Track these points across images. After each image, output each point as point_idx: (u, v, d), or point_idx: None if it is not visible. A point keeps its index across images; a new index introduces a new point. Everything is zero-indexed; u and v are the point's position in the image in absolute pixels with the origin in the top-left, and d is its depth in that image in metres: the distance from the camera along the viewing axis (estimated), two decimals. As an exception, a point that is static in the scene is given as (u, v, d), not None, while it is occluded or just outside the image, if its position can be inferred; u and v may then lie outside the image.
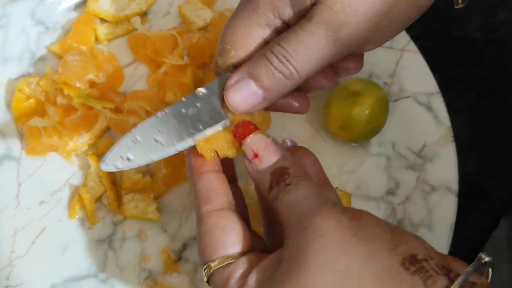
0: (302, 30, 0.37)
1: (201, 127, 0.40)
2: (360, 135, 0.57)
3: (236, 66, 0.40)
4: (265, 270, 0.34)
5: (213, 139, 0.40)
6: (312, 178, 0.37)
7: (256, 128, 0.39)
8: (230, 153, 0.40)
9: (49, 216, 0.57)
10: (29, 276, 0.55)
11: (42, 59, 0.61)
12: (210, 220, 0.37)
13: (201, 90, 0.42)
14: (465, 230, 0.59)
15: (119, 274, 0.55)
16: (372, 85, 0.57)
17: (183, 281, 0.54)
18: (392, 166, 0.59)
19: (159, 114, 0.41)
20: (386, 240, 0.31)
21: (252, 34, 0.39)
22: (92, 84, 0.59)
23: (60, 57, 0.61)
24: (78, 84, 0.57)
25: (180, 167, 0.57)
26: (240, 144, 0.39)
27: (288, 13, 0.38)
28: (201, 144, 0.40)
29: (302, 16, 0.38)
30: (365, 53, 0.60)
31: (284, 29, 0.39)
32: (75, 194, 0.57)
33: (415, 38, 0.60)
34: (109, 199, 0.56)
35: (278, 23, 0.39)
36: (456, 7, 0.44)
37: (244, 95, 0.39)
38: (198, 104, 0.41)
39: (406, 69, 0.60)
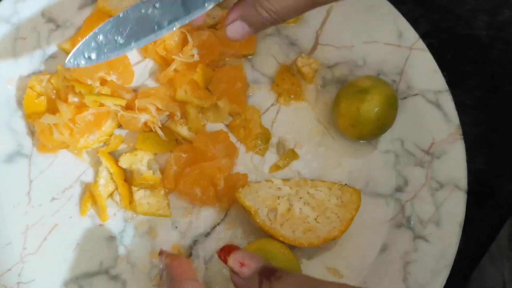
0: None
1: (156, 28, 0.48)
2: (369, 132, 0.57)
3: None
4: None
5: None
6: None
7: (236, 248, 0.45)
8: None
9: (61, 212, 0.57)
10: (41, 272, 0.55)
11: (53, 56, 0.61)
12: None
13: None
14: (473, 227, 0.60)
15: (130, 270, 0.55)
16: (380, 83, 0.57)
17: (194, 277, 0.55)
18: (400, 163, 0.59)
19: (120, 14, 0.48)
20: None
21: None
22: (103, 81, 0.59)
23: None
24: (89, 82, 0.57)
25: (191, 165, 0.57)
26: (226, 262, 0.44)
27: None
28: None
29: None
30: (373, 51, 0.61)
31: None
32: (86, 191, 0.57)
33: (422, 36, 0.61)
34: (120, 196, 0.56)
35: None
36: None
37: (238, 31, 0.49)
38: (156, 5, 0.48)
39: (414, 67, 0.60)
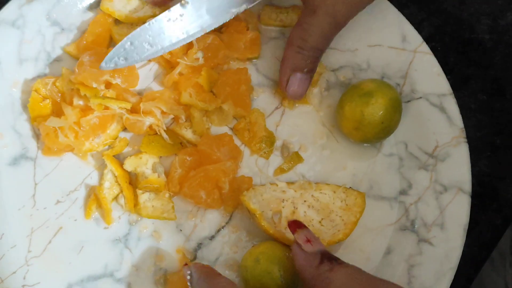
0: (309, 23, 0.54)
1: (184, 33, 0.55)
2: (373, 136, 0.57)
3: None
4: None
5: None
6: None
7: (305, 226, 0.49)
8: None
9: (65, 215, 0.57)
10: (46, 275, 0.55)
11: (58, 59, 0.62)
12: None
13: (187, 0, 0.54)
14: (476, 230, 0.60)
15: (135, 273, 0.55)
16: (385, 86, 0.57)
17: (199, 280, 0.55)
18: (404, 166, 0.59)
19: (148, 22, 0.54)
20: None
21: None
22: (108, 84, 0.59)
23: (76, 58, 0.61)
24: (94, 85, 0.57)
25: (195, 168, 0.57)
26: (294, 233, 0.48)
27: None
28: None
29: None
30: (377, 54, 0.62)
31: None
32: (91, 194, 0.57)
33: (425, 40, 0.61)
34: (125, 199, 0.56)
35: None
36: None
37: (300, 85, 0.56)
38: (182, 13, 0.54)
39: (418, 70, 0.61)
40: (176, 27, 0.55)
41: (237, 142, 0.59)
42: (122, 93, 0.59)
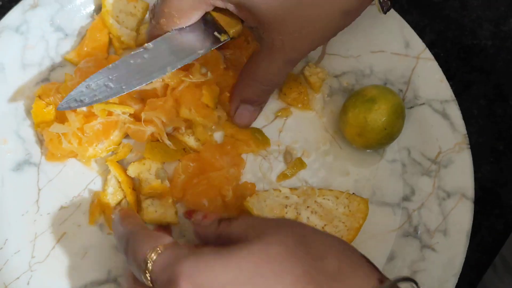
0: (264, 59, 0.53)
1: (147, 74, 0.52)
2: (376, 142, 0.57)
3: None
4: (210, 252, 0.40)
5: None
6: None
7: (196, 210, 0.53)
8: None
9: (69, 221, 0.57)
10: (49, 281, 0.55)
11: (61, 65, 0.62)
12: (128, 225, 0.48)
13: (149, 45, 0.52)
14: (479, 236, 0.60)
15: (138, 279, 0.55)
16: (388, 92, 0.57)
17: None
18: (407, 172, 0.59)
19: (110, 65, 0.52)
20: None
21: (198, 8, 0.51)
22: (110, 91, 0.59)
23: (77, 64, 0.61)
24: None
25: (198, 174, 0.57)
26: (190, 218, 0.51)
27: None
28: None
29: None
30: (380, 60, 0.62)
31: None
32: (95, 199, 0.57)
33: (427, 46, 0.61)
34: (129, 204, 0.57)
35: (220, 3, 0.51)
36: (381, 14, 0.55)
37: (246, 116, 0.57)
38: (145, 56, 0.52)
39: (421, 76, 0.61)
40: (139, 69, 0.52)
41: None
42: (125, 100, 0.59)
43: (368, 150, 0.60)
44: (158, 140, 0.58)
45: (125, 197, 0.57)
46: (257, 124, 0.60)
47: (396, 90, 0.61)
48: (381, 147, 0.60)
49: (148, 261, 0.41)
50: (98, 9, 0.63)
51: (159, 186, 0.57)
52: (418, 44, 0.61)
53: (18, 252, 0.56)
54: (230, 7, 0.51)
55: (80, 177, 0.58)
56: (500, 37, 0.66)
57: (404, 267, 0.56)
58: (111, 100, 0.58)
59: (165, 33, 0.52)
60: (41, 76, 0.61)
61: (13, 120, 0.59)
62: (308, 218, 0.55)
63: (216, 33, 0.52)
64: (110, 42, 0.63)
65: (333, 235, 0.43)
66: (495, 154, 0.63)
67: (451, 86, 0.60)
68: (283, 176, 0.59)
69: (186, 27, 0.52)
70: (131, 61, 0.52)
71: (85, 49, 0.61)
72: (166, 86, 0.58)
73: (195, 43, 0.52)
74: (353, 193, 0.57)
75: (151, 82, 0.52)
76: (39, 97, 0.58)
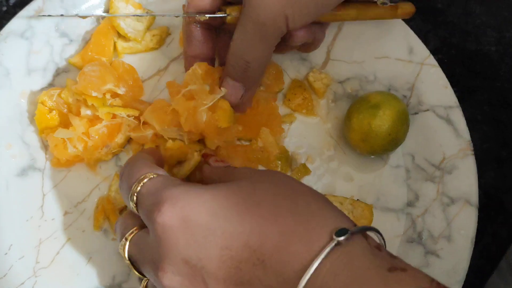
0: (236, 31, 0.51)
1: None
2: (381, 148, 0.57)
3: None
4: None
5: None
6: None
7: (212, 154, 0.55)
8: None
9: (73, 226, 0.57)
10: (54, 287, 0.55)
11: (66, 71, 0.62)
12: (134, 156, 0.50)
13: None
14: (482, 243, 0.60)
15: (143, 284, 0.55)
16: (392, 98, 0.57)
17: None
18: (411, 178, 0.60)
19: None
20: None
21: None
22: (114, 94, 0.59)
23: (81, 69, 0.61)
24: (94, 94, 0.57)
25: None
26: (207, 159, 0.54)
27: None
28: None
29: None
30: (384, 66, 0.62)
31: None
32: (99, 205, 0.57)
33: (431, 52, 0.61)
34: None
35: None
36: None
37: (229, 90, 0.53)
38: None
39: (425, 82, 0.61)
40: None
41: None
42: (130, 103, 0.59)
43: (372, 156, 0.60)
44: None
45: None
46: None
47: (400, 96, 0.61)
48: (385, 153, 0.60)
49: (139, 184, 0.44)
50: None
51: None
52: (422, 50, 0.61)
53: (23, 257, 0.56)
54: None
55: (85, 183, 0.58)
56: (504, 43, 0.66)
57: (408, 273, 0.56)
58: (114, 103, 0.59)
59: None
60: (45, 81, 0.61)
61: (18, 125, 0.59)
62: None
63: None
64: (115, 47, 0.63)
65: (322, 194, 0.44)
66: (499, 161, 0.63)
67: (455, 92, 0.60)
68: (287, 181, 0.59)
69: None
70: None
71: (90, 53, 0.61)
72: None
73: None
74: (357, 199, 0.57)
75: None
76: (42, 103, 0.59)
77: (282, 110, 0.61)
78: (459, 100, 0.60)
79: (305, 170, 0.59)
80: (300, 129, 0.61)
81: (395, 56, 0.62)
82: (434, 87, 0.61)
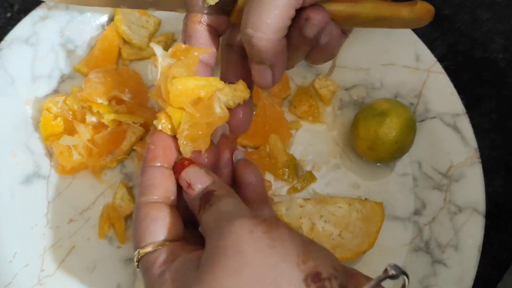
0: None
1: None
2: (388, 155, 0.57)
3: None
4: (187, 262, 0.37)
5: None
6: (236, 195, 0.41)
7: (191, 163, 0.43)
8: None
9: (78, 234, 0.57)
10: (58, 295, 0.55)
11: (70, 77, 0.61)
12: (143, 210, 0.41)
13: None
14: (491, 251, 0.60)
15: (148, 293, 0.55)
16: (399, 105, 0.57)
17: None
18: (418, 186, 0.59)
19: None
20: (296, 255, 0.34)
21: None
22: (119, 101, 0.59)
23: (86, 75, 0.61)
24: (99, 101, 0.57)
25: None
26: (178, 176, 0.43)
27: None
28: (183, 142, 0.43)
29: None
30: (390, 73, 0.62)
31: None
32: (104, 212, 0.57)
33: (438, 59, 0.61)
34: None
35: None
36: None
37: (258, 76, 0.44)
38: None
39: (432, 90, 0.61)
40: None
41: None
42: (135, 109, 0.59)
43: (378, 164, 0.60)
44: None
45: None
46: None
47: (407, 103, 0.61)
48: (392, 161, 0.59)
49: (139, 254, 0.40)
50: (108, 21, 0.63)
51: None
52: (428, 58, 0.61)
53: (27, 265, 0.55)
54: None
55: (90, 190, 0.58)
56: (511, 51, 0.66)
57: (415, 282, 0.55)
58: (120, 109, 0.58)
59: None
60: (50, 88, 0.61)
61: (23, 132, 0.59)
62: (323, 227, 0.55)
63: None
64: (120, 53, 0.63)
65: None
66: (508, 169, 0.62)
67: (462, 99, 0.60)
68: (293, 189, 0.59)
69: None
70: None
71: (95, 60, 0.61)
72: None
73: None
74: (365, 199, 0.57)
75: None
76: (47, 110, 0.58)
77: (288, 117, 0.61)
78: (466, 108, 0.59)
79: (311, 178, 0.59)
80: (306, 136, 0.61)
81: (401, 63, 0.62)
82: (441, 94, 0.60)
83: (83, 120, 0.58)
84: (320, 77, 0.62)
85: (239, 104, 0.45)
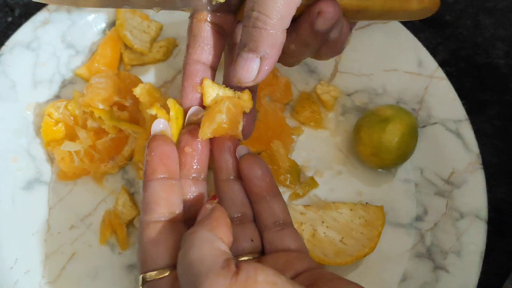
0: None
1: None
2: (390, 161, 0.57)
3: None
4: None
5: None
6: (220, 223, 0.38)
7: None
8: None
9: (80, 241, 0.56)
10: (60, 301, 0.55)
11: (72, 82, 0.61)
12: (146, 231, 0.39)
13: None
14: (492, 257, 0.60)
15: (150, 299, 0.55)
16: (402, 112, 0.57)
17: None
18: (420, 192, 0.59)
19: None
20: None
21: None
22: (121, 106, 0.59)
23: (88, 80, 0.61)
24: (101, 106, 0.57)
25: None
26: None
27: None
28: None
29: None
30: (393, 79, 0.61)
31: None
32: (106, 218, 0.57)
33: (440, 64, 0.61)
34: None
35: None
36: None
37: (242, 66, 0.41)
38: None
39: (434, 95, 0.61)
40: None
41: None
42: (136, 114, 0.59)
43: (380, 170, 0.60)
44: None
45: (137, 215, 0.56)
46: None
47: (409, 109, 0.61)
48: (394, 167, 0.59)
49: (143, 279, 0.39)
50: (110, 25, 0.63)
51: None
52: (431, 63, 0.61)
53: (28, 272, 0.55)
54: None
55: (91, 196, 0.58)
56: (513, 56, 0.66)
57: (417, 288, 0.55)
58: (122, 116, 0.58)
59: None
60: (52, 93, 0.61)
61: (24, 138, 0.59)
62: (324, 233, 0.55)
63: None
64: (121, 58, 0.63)
65: None
66: (509, 175, 0.62)
67: (464, 105, 0.60)
68: (295, 195, 0.58)
69: None
70: None
71: (96, 65, 0.61)
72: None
73: None
74: (366, 203, 0.57)
75: None
76: (48, 115, 0.58)
77: (290, 122, 0.61)
78: (468, 113, 0.59)
79: (313, 184, 0.59)
80: (309, 142, 0.61)
81: (404, 69, 0.62)
82: (443, 100, 0.60)
83: (84, 126, 0.58)
84: (322, 82, 0.62)
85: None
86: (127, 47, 0.62)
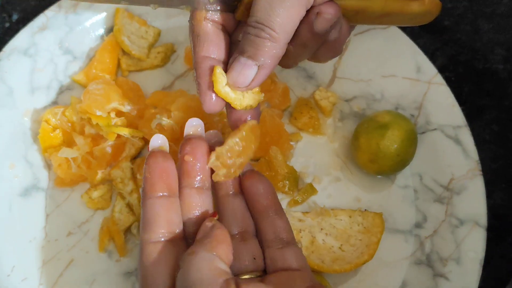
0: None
1: None
2: (389, 168, 0.57)
3: None
4: None
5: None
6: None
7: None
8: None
9: (77, 247, 0.56)
10: (57, 309, 0.54)
11: (69, 88, 0.61)
12: (145, 252, 0.39)
13: None
14: (491, 264, 0.59)
15: (147, 307, 0.54)
16: (400, 118, 0.57)
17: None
18: (419, 199, 0.59)
19: None
20: None
21: None
22: (118, 113, 0.59)
23: (85, 86, 0.61)
24: (98, 113, 0.57)
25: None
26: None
27: None
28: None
29: None
30: (391, 85, 0.61)
31: None
32: (104, 225, 0.56)
33: (439, 70, 0.61)
34: (139, 228, 0.55)
35: None
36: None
37: (238, 71, 0.41)
38: None
39: (433, 101, 0.60)
40: None
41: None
42: (135, 121, 0.59)
43: (379, 176, 0.59)
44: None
45: (134, 221, 0.56)
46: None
47: (407, 115, 0.60)
48: (393, 173, 0.59)
49: None
50: (108, 31, 0.63)
51: None
52: (429, 69, 0.61)
53: (26, 279, 0.55)
54: None
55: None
56: (512, 61, 0.66)
57: (417, 296, 0.55)
58: (119, 122, 0.58)
59: None
60: (49, 99, 0.61)
61: (21, 144, 0.59)
62: (323, 240, 0.55)
63: None
64: (119, 64, 0.63)
65: None
66: (508, 181, 0.62)
67: (463, 110, 0.59)
68: (294, 202, 0.58)
69: None
70: None
71: (94, 71, 0.61)
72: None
73: None
74: (365, 210, 0.57)
75: None
76: (46, 121, 0.58)
77: (288, 128, 0.61)
78: (467, 119, 0.59)
79: (312, 190, 0.59)
80: (307, 148, 0.60)
81: (402, 75, 0.61)
82: (442, 106, 0.60)
83: (82, 132, 0.58)
84: (321, 88, 0.62)
85: (250, 106, 0.44)
86: (125, 53, 0.62)
